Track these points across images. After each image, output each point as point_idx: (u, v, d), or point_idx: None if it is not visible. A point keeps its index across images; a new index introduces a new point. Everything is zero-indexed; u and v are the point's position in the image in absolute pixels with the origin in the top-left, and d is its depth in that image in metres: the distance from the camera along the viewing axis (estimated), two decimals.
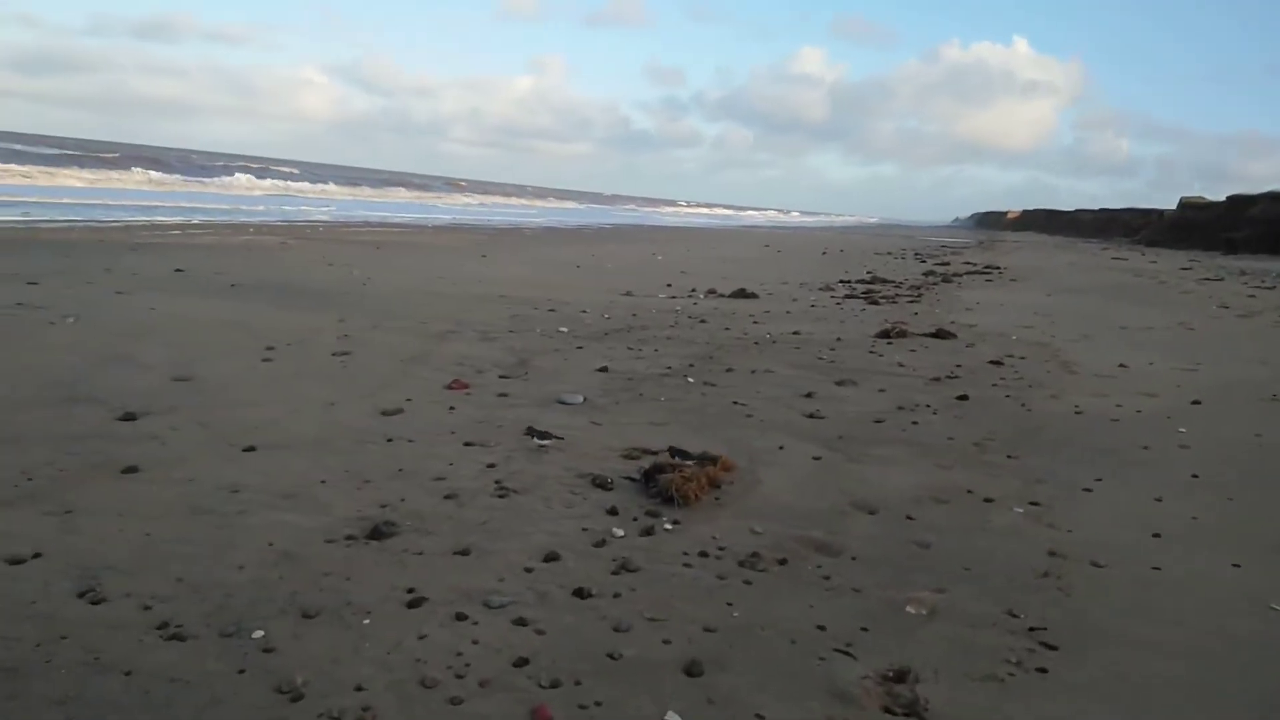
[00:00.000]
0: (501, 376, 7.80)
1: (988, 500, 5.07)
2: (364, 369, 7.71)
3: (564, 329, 10.47)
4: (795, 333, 11.27)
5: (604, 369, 8.29)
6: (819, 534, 4.35)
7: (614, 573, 3.78)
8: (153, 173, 49.35)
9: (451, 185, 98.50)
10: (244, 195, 45.34)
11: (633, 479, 4.99)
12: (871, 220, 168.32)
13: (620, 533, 4.22)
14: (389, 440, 5.61)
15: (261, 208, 36.53)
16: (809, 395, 7.65)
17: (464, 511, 4.42)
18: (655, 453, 5.57)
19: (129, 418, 5.73)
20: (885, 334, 11.31)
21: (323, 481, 4.76)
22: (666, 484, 4.64)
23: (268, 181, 56.35)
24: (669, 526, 4.34)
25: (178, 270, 13.37)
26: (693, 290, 15.93)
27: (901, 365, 9.35)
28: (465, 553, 3.91)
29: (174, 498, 4.36)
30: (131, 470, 4.70)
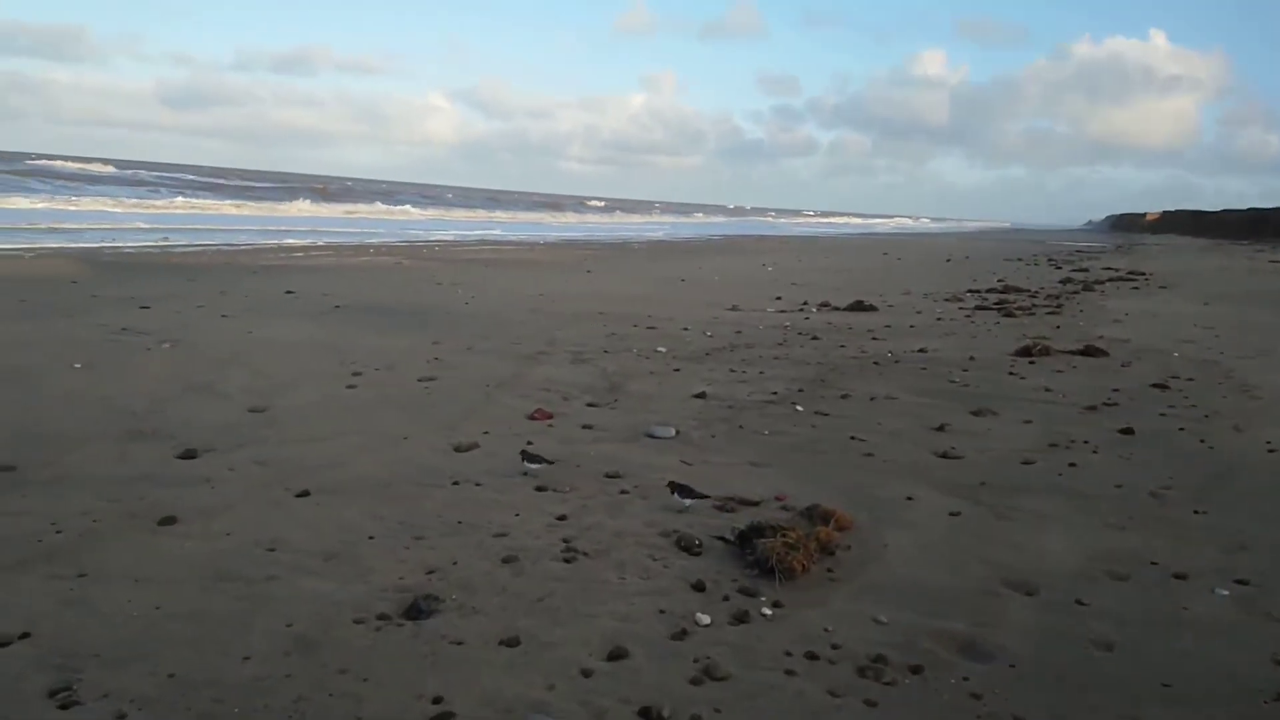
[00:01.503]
0: (589, 404, 7.13)
1: (1179, 576, 4.00)
2: (447, 396, 7.20)
3: (662, 348, 9.74)
4: (921, 350, 10.16)
5: (701, 395, 7.50)
6: (962, 626, 3.43)
7: (694, 681, 2.99)
8: (302, 202, 51.81)
9: (562, 202, 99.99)
10: (367, 218, 46.97)
11: (726, 540, 4.18)
12: (997, 225, 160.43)
13: (706, 619, 3.41)
14: (455, 483, 5.01)
15: (383, 230, 37.60)
16: (940, 428, 6.62)
17: (521, 582, 3.73)
18: (754, 503, 4.74)
19: (189, 455, 5.35)
20: (1025, 351, 10.04)
21: (371, 537, 4.18)
22: (766, 551, 3.81)
23: (397, 207, 58.46)
24: (768, 611, 3.51)
25: (288, 292, 13.41)
26: (804, 303, 14.92)
27: (1048, 390, 8.14)
28: (513, 643, 3.20)
29: (203, 558, 3.85)
30: (169, 521, 4.25)
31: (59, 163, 59.90)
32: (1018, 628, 3.45)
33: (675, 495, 4.66)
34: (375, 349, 9.03)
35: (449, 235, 36.60)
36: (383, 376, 7.86)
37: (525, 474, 5.15)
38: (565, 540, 4.21)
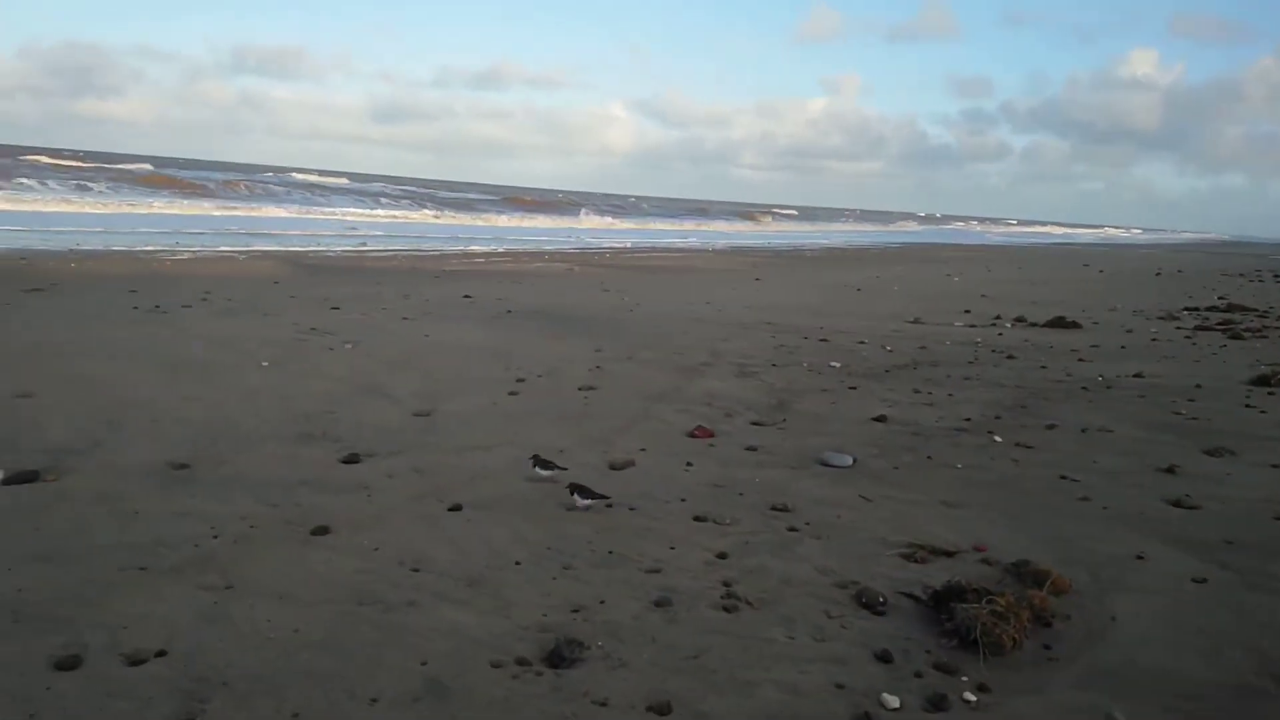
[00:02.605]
0: (754, 423, 6.63)
1: None
2: (605, 407, 6.92)
3: (835, 363, 9.07)
4: (1137, 375, 8.92)
5: (881, 418, 6.81)
6: None
7: None
8: (489, 211, 54.45)
9: (736, 209, 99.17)
10: (545, 226, 48.48)
11: (916, 598, 3.57)
12: (1210, 236, 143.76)
13: (894, 702, 2.84)
14: (608, 506, 4.66)
15: (560, 237, 38.61)
16: (1170, 470, 5.63)
17: (674, 631, 3.30)
18: (949, 553, 4.09)
19: (351, 460, 5.33)
20: (1263, 380, 8.60)
21: (517, 563, 3.89)
22: (969, 620, 3.19)
23: (572, 217, 60.17)
24: (971, 697, 2.89)
25: (466, 297, 13.75)
26: (997, 318, 13.68)
27: None
28: (663, 710, 2.78)
29: (347, 576, 3.69)
30: (322, 531, 4.15)
31: (295, 174, 65.90)
32: None
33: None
34: (539, 355, 8.94)
35: (620, 242, 37.03)
36: (544, 384, 7.71)
37: (584, 510, 4.63)
38: (725, 584, 3.75)
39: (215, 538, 4.01)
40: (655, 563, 3.95)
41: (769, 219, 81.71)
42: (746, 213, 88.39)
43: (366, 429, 6.01)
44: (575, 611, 3.43)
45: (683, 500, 4.79)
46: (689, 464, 5.47)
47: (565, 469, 4.96)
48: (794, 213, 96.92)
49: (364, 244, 26.61)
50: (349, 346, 8.95)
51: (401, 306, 12.20)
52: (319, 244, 24.99)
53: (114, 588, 3.43)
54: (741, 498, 4.88)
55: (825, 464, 5.60)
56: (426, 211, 48.88)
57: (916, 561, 3.99)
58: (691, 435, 6.17)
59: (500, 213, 55.76)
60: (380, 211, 44.65)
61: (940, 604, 3.39)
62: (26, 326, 8.96)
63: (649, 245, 35.91)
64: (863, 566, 3.95)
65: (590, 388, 7.58)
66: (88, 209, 31.25)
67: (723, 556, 4.06)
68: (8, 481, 4.49)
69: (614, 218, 62.25)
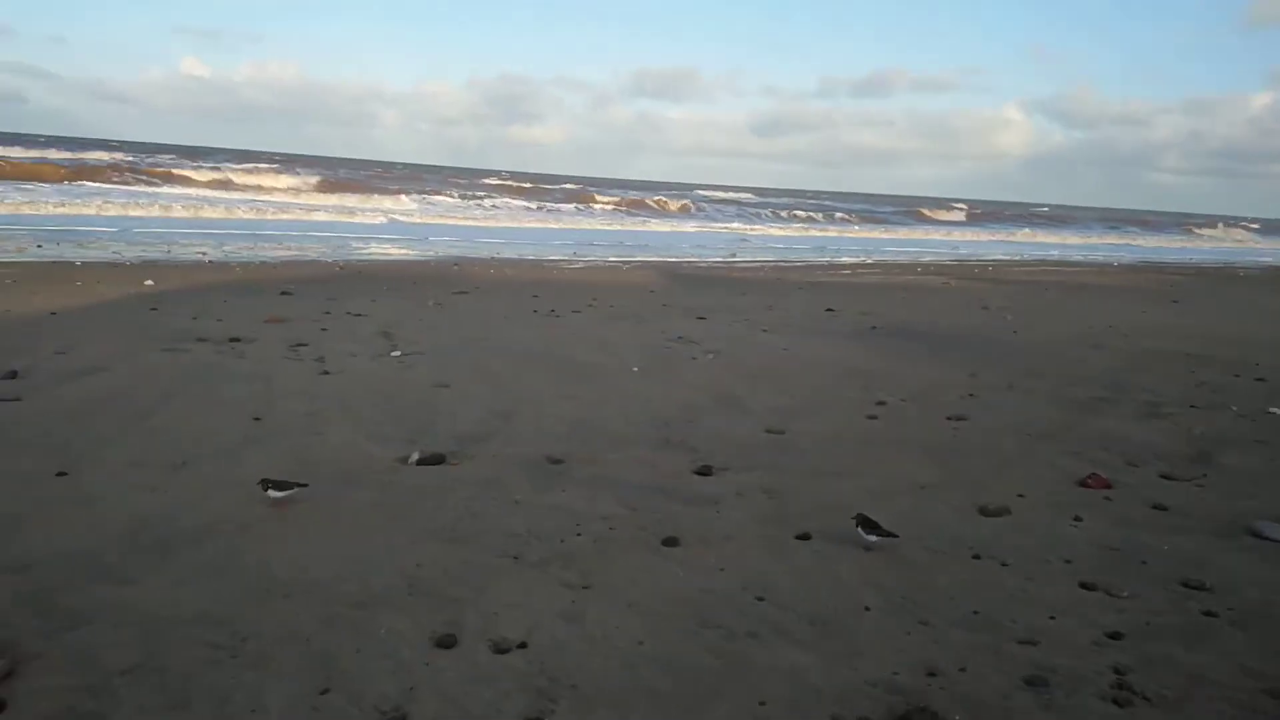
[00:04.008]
0: (1163, 476, 5.58)
1: None
2: (977, 442, 6.30)
3: (1276, 409, 7.36)
4: None
5: None
6: None
7: None
8: (857, 221, 54.04)
9: (1150, 218, 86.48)
10: (917, 238, 46.49)
11: None
12: None
13: None
14: (975, 557, 4.18)
15: (935, 248, 36.80)
16: None
17: (1049, 719, 2.81)
18: None
19: (704, 472, 5.41)
20: None
21: (867, 609, 3.61)
22: None
23: (945, 227, 57.10)
24: None
25: (828, 310, 13.56)
26: None
27: None
28: None
29: (693, 593, 3.70)
30: (672, 542, 4.24)
31: (707, 191, 71.37)
32: None
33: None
34: (904, 377, 8.45)
35: (1004, 255, 34.21)
36: (908, 409, 7.24)
37: (868, 548, 4.16)
38: (1117, 670, 3.13)
39: (579, 535, 4.27)
40: (1030, 632, 3.43)
41: (1217, 229, 70.05)
42: (1175, 223, 76.76)
43: (720, 441, 6.08)
44: (931, 676, 3.08)
45: (1067, 561, 4.14)
46: (1077, 518, 4.73)
47: (895, 535, 4.26)
48: (1255, 226, 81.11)
49: (733, 254, 27.58)
50: (710, 357, 9.22)
51: (763, 318, 12.33)
52: (693, 254, 26.40)
53: (491, 573, 3.79)
54: (1144, 566, 4.09)
55: (1260, 535, 4.52)
56: (797, 225, 49.50)
57: None
58: (1083, 484, 5.35)
59: (867, 219, 54.63)
60: (758, 227, 46.04)
61: None
62: (451, 325, 10.51)
63: (1036, 258, 32.72)
64: None
65: (960, 417, 6.96)
66: (511, 223, 36.23)
67: (1115, 636, 3.41)
68: (421, 462, 5.24)
69: (999, 227, 57.83)
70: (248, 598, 3.46)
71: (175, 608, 3.34)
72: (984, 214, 69.86)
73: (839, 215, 55.91)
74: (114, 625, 3.20)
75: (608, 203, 50.35)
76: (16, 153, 43.20)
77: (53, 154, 45.04)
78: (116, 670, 2.92)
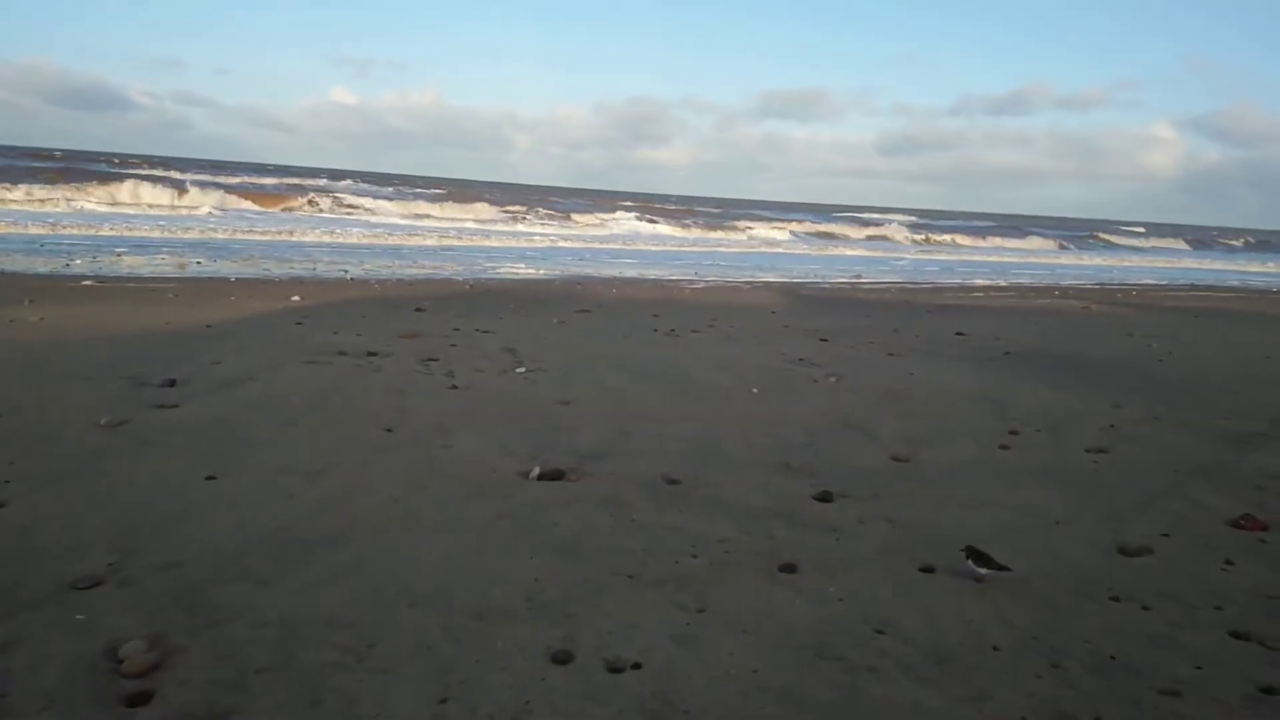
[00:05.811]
0: None
1: None
2: (1118, 476, 5.90)
3: None
4: None
5: None
6: None
7: None
8: (993, 239, 52.11)
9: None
10: (1053, 264, 44.22)
11: None
12: None
13: None
14: (1113, 598, 3.90)
15: (1074, 270, 34.90)
16: None
17: None
18: None
19: (824, 498, 5.28)
20: None
21: (995, 648, 3.42)
22: None
23: (1076, 252, 54.11)
24: None
25: (958, 334, 13.07)
26: None
27: None
28: None
29: (810, 623, 3.61)
30: (789, 569, 4.15)
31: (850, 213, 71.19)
32: None
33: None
34: (1040, 405, 8.02)
35: (1151, 279, 32.10)
36: (1043, 440, 6.86)
37: (978, 580, 3.97)
38: None
39: (694, 557, 4.25)
40: (1173, 682, 3.17)
41: None
42: None
43: (842, 467, 5.93)
44: None
45: (1217, 608, 3.81)
46: (1229, 562, 4.36)
47: (1009, 569, 4.05)
48: None
49: (858, 275, 26.99)
50: (833, 380, 9.02)
51: (889, 341, 11.99)
52: (817, 274, 26.00)
53: (607, 591, 3.81)
54: None
55: None
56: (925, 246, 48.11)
57: None
58: (1236, 525, 4.92)
59: (995, 242, 52.43)
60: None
61: None
62: (573, 343, 10.71)
63: (1187, 283, 30.53)
64: None
65: (1100, 450, 6.54)
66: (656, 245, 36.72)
67: (1269, 691, 3.11)
68: (541, 477, 5.34)
69: (1140, 249, 54.32)
70: (375, 604, 3.61)
71: (309, 610, 3.52)
72: (1129, 236, 65.74)
73: (984, 237, 54.02)
74: (252, 624, 3.40)
75: (794, 228, 50.76)
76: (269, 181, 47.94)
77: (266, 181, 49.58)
78: (253, 668, 3.10)
